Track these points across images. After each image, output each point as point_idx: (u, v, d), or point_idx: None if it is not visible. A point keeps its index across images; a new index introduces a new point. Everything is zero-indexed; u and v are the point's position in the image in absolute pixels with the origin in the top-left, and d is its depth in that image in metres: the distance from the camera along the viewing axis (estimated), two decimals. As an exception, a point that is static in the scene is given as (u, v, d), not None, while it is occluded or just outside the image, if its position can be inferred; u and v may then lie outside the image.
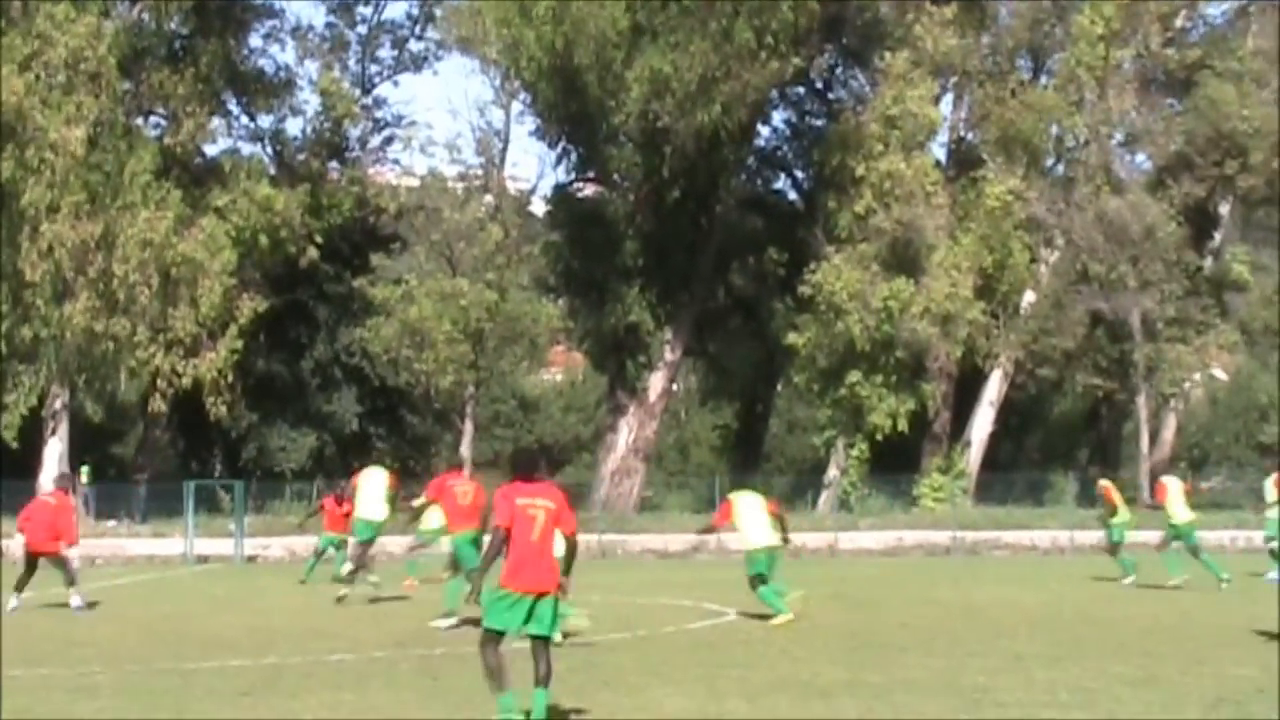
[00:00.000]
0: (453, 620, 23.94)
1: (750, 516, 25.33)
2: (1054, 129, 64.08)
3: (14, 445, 56.34)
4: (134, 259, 55.99)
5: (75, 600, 28.59)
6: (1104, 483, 36.68)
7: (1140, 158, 66.66)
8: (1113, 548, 35.05)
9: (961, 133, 67.07)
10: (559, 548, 14.47)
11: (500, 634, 14.14)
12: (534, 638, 14.12)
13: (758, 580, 24.96)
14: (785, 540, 25.71)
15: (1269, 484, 35.55)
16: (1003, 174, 61.74)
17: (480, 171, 68.66)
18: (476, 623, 16.28)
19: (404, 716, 14.81)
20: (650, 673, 18.26)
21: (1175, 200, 62.70)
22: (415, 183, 72.00)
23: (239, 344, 60.10)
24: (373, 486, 31.01)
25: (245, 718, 15.17)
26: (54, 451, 58.35)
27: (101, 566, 46.69)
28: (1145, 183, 63.83)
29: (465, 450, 63.15)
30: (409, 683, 17.34)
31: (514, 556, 14.14)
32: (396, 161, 74.01)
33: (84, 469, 58.08)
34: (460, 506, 24.78)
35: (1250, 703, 15.39)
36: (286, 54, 70.65)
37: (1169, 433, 69.97)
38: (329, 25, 72.06)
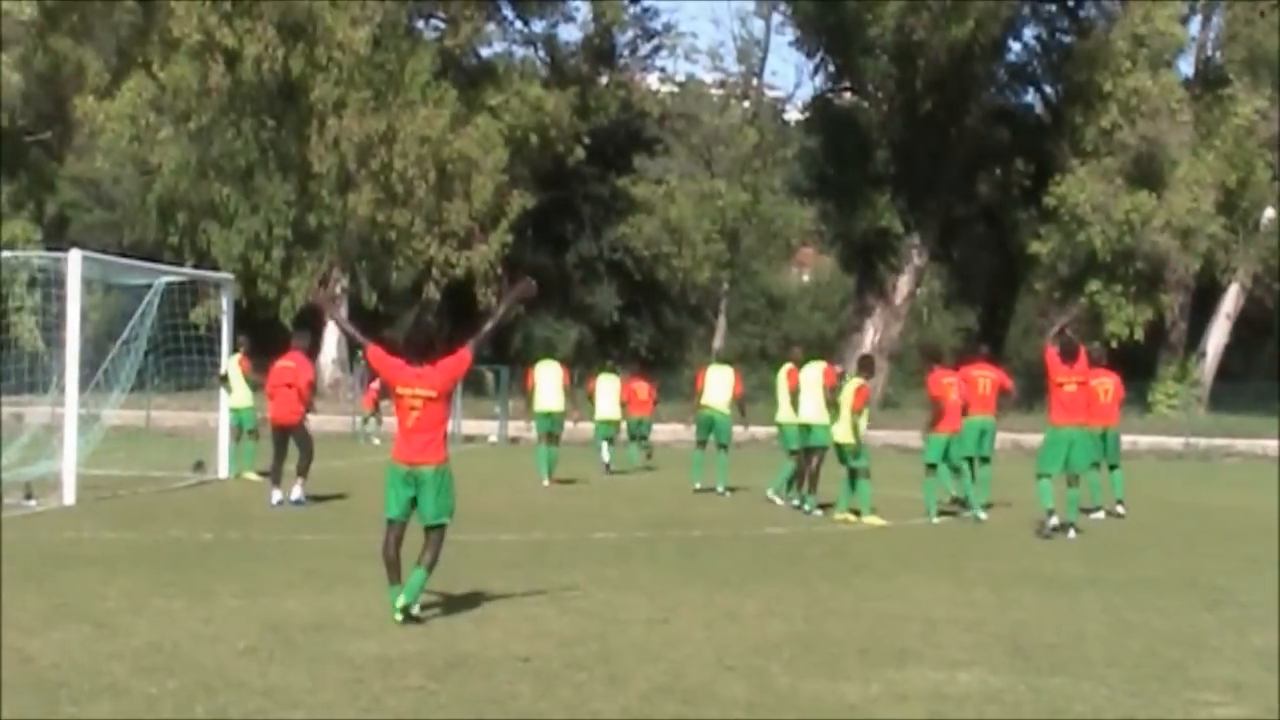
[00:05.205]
0: None
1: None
2: (1301, 50, 64.46)
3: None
4: (413, 154, 58.66)
5: (296, 492, 24.82)
6: None
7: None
8: None
9: (1208, 51, 67.33)
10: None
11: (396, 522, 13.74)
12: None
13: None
14: None
15: None
16: (1248, 93, 62.26)
17: (739, 79, 71.20)
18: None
19: (665, 591, 15.36)
20: (898, 561, 18.80)
21: None
22: (677, 88, 74.55)
23: (508, 237, 61.83)
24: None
25: (515, 589, 15.48)
26: (332, 334, 61.78)
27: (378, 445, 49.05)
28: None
29: (718, 343, 65.80)
30: (670, 561, 17.74)
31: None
32: (661, 68, 76.26)
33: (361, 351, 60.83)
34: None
35: None
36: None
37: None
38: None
